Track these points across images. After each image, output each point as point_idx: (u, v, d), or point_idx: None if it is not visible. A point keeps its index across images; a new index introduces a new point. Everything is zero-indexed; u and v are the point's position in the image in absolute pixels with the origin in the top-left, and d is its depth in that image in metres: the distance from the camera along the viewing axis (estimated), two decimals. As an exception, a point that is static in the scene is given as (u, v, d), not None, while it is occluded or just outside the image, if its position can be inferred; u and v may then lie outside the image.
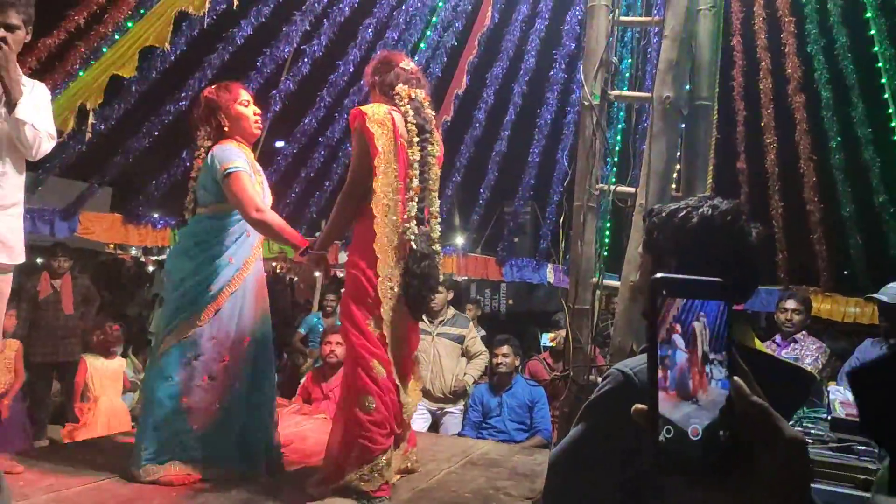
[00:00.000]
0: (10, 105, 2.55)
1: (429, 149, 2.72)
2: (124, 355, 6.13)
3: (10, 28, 2.54)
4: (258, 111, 3.02)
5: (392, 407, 2.60)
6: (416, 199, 2.66)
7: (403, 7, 6.97)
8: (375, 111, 2.67)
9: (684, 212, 1.34)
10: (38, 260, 6.60)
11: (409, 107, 2.72)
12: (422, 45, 7.44)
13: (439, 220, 2.79)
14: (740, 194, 8.14)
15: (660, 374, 0.59)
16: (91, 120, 5.15)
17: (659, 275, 0.60)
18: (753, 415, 0.59)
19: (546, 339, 5.83)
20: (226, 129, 2.94)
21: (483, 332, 7.31)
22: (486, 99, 8.16)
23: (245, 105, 2.96)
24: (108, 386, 5.18)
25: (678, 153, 2.82)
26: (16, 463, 2.74)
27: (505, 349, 4.78)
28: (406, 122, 2.70)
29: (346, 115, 7.56)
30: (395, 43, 7.23)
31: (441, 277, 2.74)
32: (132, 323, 8.80)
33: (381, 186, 2.62)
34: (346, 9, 6.38)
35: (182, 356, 2.75)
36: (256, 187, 2.88)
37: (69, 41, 5.02)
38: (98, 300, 6.37)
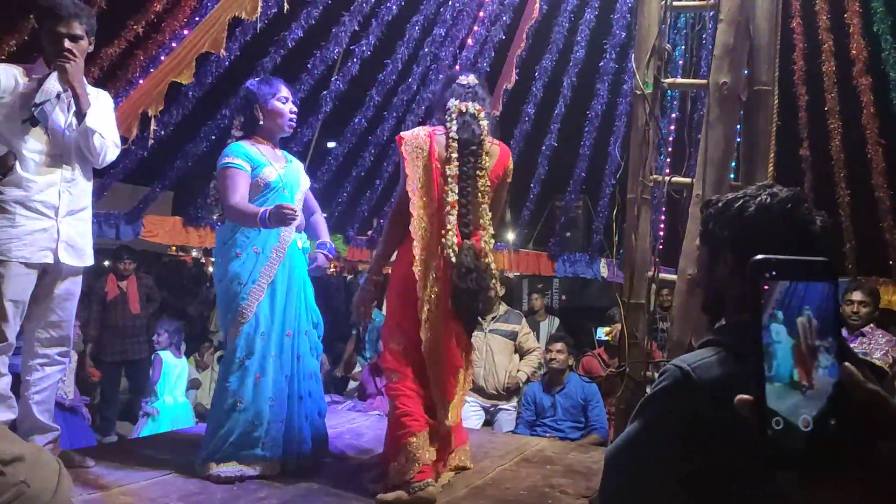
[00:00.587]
0: (80, 115, 2.67)
1: (473, 161, 2.73)
2: (187, 353, 6.35)
3: (75, 38, 2.65)
4: (295, 109, 3.04)
5: (420, 401, 2.68)
6: (454, 213, 2.69)
7: (450, 3, 6.96)
8: (415, 134, 2.78)
9: (741, 201, 1.29)
10: (105, 262, 6.88)
11: (455, 122, 2.75)
12: (469, 40, 7.41)
13: (491, 231, 2.79)
14: (804, 182, 7.82)
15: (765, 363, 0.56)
16: (153, 126, 5.33)
17: (760, 256, 0.58)
18: (871, 403, 0.56)
19: (601, 333, 5.75)
20: (260, 122, 2.95)
21: (557, 321, 7.26)
22: (535, 93, 8.08)
23: (283, 101, 2.98)
24: (176, 384, 5.38)
25: (737, 141, 2.72)
26: (86, 458, 2.86)
27: (559, 346, 4.75)
28: (448, 138, 2.73)
29: (395, 114, 7.60)
30: (443, 39, 7.22)
31: (496, 288, 2.76)
32: (194, 322, 9.11)
33: (416, 210, 2.70)
34: (394, 7, 6.41)
35: (235, 358, 2.79)
36: (275, 180, 2.90)
37: (129, 50, 5.21)
38: (159, 300, 6.60)
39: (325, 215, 3.43)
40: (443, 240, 2.67)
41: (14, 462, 1.10)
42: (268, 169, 2.89)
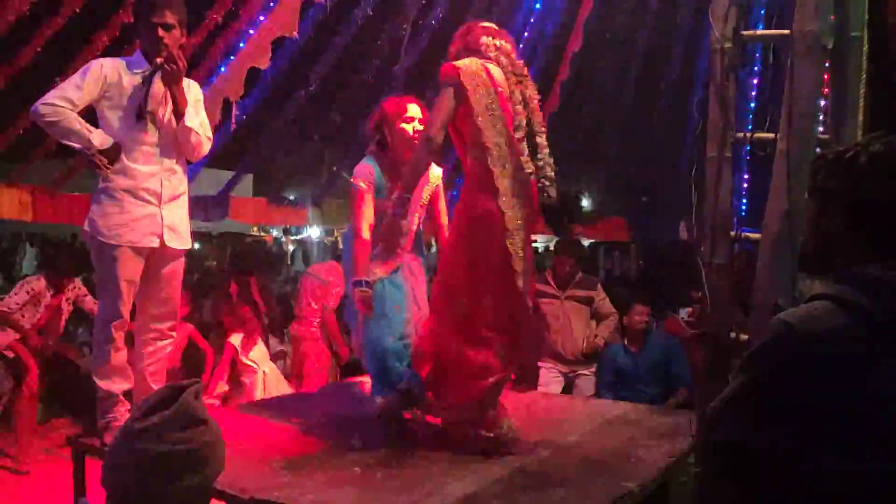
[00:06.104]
0: (178, 114, 2.84)
1: (528, 92, 2.80)
2: (272, 329, 6.62)
3: (167, 28, 2.81)
4: (419, 127, 3.04)
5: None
6: (526, 140, 2.75)
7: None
8: (468, 65, 2.68)
9: (852, 151, 1.27)
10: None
11: (498, 53, 2.79)
12: (537, 5, 7.29)
13: (549, 150, 2.87)
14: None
15: None
16: (234, 112, 5.57)
17: None
18: None
19: (683, 313, 5.72)
20: (388, 141, 3.08)
21: None
22: (607, 55, 7.89)
23: (408, 121, 3.04)
24: (259, 359, 5.55)
25: (824, 92, 2.61)
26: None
27: (641, 308, 4.78)
28: (502, 69, 2.76)
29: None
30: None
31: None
32: (279, 300, 9.51)
33: (492, 139, 2.64)
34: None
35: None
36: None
37: (209, 39, 5.44)
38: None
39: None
40: (537, 167, 2.77)
41: (202, 424, 1.31)
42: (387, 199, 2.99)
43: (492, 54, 2.79)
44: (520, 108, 2.76)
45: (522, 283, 2.68)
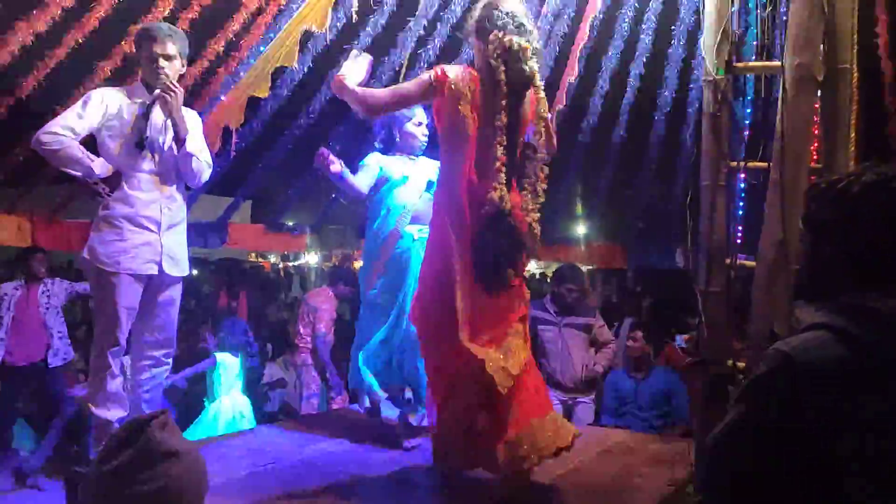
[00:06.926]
0: (178, 141, 2.88)
1: (517, 109, 2.56)
2: (271, 357, 6.60)
3: (169, 58, 2.86)
4: (426, 132, 3.39)
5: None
6: (504, 169, 2.50)
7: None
8: (459, 75, 2.51)
9: (845, 181, 1.29)
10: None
11: (500, 60, 2.46)
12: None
13: (539, 186, 2.64)
14: (892, 160, 7.39)
15: None
16: (234, 139, 5.62)
17: None
18: None
19: (680, 340, 5.70)
20: (397, 140, 3.40)
21: None
22: (601, 84, 7.97)
23: (417, 125, 3.38)
24: (233, 384, 5.49)
25: (815, 122, 2.65)
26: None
27: (638, 333, 4.78)
28: (494, 81, 2.47)
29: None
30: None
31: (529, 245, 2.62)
32: (275, 325, 9.48)
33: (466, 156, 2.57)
34: (458, 9, 6.47)
35: (364, 315, 3.39)
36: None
37: (211, 69, 5.51)
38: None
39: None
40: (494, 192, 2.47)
41: (170, 457, 1.23)
42: (388, 170, 3.34)
43: (494, 59, 2.46)
44: (500, 135, 2.48)
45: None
